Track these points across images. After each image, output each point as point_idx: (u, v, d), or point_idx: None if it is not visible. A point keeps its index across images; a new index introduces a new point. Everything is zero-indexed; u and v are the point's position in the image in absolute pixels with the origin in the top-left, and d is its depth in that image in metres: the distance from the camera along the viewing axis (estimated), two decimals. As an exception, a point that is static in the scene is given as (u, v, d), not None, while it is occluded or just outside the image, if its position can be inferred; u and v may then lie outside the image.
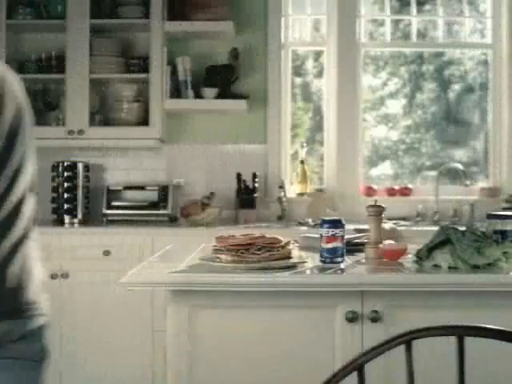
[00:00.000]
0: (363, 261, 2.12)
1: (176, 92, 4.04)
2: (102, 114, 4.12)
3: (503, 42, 4.32)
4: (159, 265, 2.08)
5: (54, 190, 3.96)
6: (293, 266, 1.94)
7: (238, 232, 2.11)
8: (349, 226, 2.46)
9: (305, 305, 1.90)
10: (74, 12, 3.91)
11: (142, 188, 4.02)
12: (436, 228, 2.08)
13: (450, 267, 1.90)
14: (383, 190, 4.33)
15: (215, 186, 4.17)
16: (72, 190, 3.96)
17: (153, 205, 3.96)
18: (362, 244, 2.29)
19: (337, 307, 1.89)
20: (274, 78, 4.23)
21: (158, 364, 3.56)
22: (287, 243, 1.99)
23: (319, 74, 4.48)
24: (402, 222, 3.93)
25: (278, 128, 4.24)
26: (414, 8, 4.41)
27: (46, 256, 3.60)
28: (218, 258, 1.94)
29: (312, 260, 2.04)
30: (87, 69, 3.92)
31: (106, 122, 4.08)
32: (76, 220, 3.95)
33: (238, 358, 1.91)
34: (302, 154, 4.29)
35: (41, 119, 4.09)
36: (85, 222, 3.98)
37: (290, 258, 1.98)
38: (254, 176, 4.06)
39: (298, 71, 4.48)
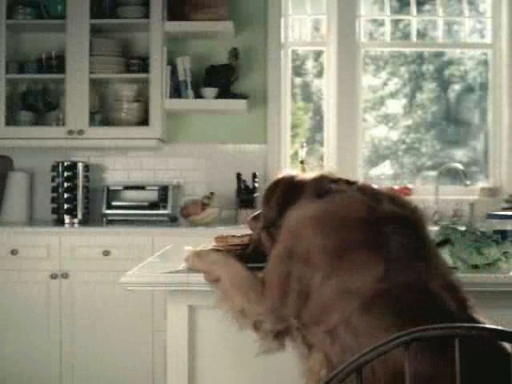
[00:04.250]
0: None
1: (176, 92, 4.04)
2: (102, 114, 4.12)
3: (503, 42, 4.32)
4: (159, 265, 2.08)
5: (54, 190, 3.96)
6: None
7: (238, 232, 2.11)
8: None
9: (305, 305, 1.89)
10: (74, 12, 3.91)
11: (142, 188, 4.02)
12: (436, 228, 2.08)
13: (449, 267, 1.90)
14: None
15: (215, 186, 4.17)
16: (72, 189, 3.96)
17: (153, 205, 3.96)
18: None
19: (337, 307, 1.89)
20: (273, 77, 4.23)
21: (158, 364, 3.57)
22: None
23: (319, 74, 4.48)
24: (402, 222, 3.92)
25: (278, 128, 4.24)
26: (413, 8, 4.41)
27: (46, 256, 3.61)
28: None
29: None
30: (87, 69, 3.92)
31: (106, 121, 4.08)
32: (76, 220, 3.95)
33: (238, 358, 1.91)
34: (302, 154, 4.29)
35: (41, 119, 4.10)
36: (85, 222, 3.98)
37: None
38: (254, 176, 4.06)
39: (297, 71, 4.48)
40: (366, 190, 1.54)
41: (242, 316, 1.57)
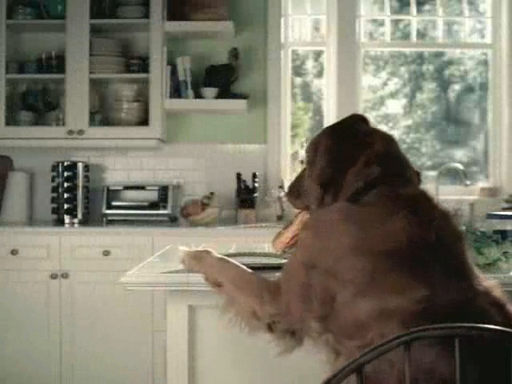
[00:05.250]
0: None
1: (176, 92, 4.04)
2: (102, 114, 4.12)
3: (503, 42, 4.32)
4: (159, 265, 2.08)
5: (54, 190, 3.96)
6: None
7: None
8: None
9: (305, 305, 1.89)
10: (74, 12, 3.91)
11: (142, 188, 4.02)
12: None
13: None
14: (383, 189, 4.32)
15: (215, 186, 4.17)
16: (72, 189, 3.96)
17: (153, 205, 3.96)
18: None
19: (337, 307, 1.88)
20: (273, 77, 4.23)
21: (158, 364, 3.57)
22: None
23: (319, 74, 4.48)
24: (402, 222, 3.92)
25: (278, 128, 4.24)
26: (413, 8, 4.41)
27: (46, 256, 3.61)
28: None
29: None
30: (87, 69, 3.92)
31: (106, 121, 4.08)
32: (76, 220, 3.95)
33: (238, 358, 1.91)
34: (302, 153, 4.29)
35: (41, 119, 4.10)
36: (85, 222, 3.98)
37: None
38: (254, 176, 4.06)
39: (298, 71, 4.48)
40: (417, 204, 1.44)
41: (254, 318, 1.53)
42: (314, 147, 1.61)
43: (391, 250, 1.35)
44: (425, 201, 1.47)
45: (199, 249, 1.82)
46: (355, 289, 1.35)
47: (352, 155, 1.50)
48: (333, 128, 1.63)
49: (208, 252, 1.75)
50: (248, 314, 1.54)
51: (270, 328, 1.53)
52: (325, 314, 1.41)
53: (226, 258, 1.73)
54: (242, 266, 1.66)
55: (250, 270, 1.63)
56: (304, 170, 1.70)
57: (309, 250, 1.46)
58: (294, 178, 1.77)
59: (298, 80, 4.50)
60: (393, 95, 4.54)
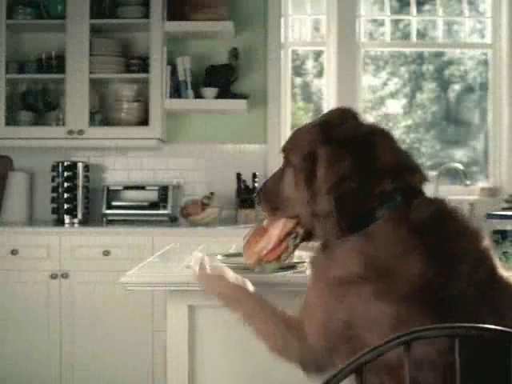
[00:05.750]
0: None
1: (176, 92, 4.04)
2: (102, 114, 4.12)
3: (503, 42, 4.32)
4: (159, 265, 2.08)
5: (54, 190, 3.96)
6: (293, 266, 1.93)
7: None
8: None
9: (305, 305, 1.89)
10: (74, 12, 3.91)
11: (142, 188, 4.02)
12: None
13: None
14: (383, 189, 4.32)
15: (215, 186, 4.17)
16: (72, 189, 3.96)
17: (153, 205, 3.96)
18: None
19: (337, 307, 1.88)
20: (273, 77, 4.23)
21: (158, 364, 3.57)
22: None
23: (319, 74, 4.48)
24: (402, 222, 3.92)
25: (278, 128, 4.24)
26: (413, 8, 4.41)
27: (46, 256, 3.61)
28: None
29: (312, 260, 2.03)
30: (87, 69, 3.92)
31: (106, 121, 4.08)
32: (76, 220, 3.95)
33: (238, 358, 1.91)
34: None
35: (41, 119, 4.10)
36: (85, 222, 3.98)
37: (289, 258, 1.96)
38: (254, 176, 4.06)
39: (298, 71, 4.48)
40: (436, 231, 1.31)
41: (281, 355, 1.53)
42: (304, 151, 1.39)
43: (413, 295, 1.25)
44: (445, 222, 1.33)
45: (215, 268, 1.70)
46: (382, 332, 1.26)
47: (358, 164, 1.32)
48: (325, 127, 1.39)
49: (224, 276, 1.62)
50: (275, 351, 1.53)
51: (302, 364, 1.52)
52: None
53: (241, 285, 1.62)
54: (257, 295, 1.59)
55: (266, 303, 1.57)
56: (281, 173, 1.50)
57: (326, 305, 1.37)
58: (264, 182, 1.56)
59: (298, 80, 4.50)
60: (393, 95, 4.54)
